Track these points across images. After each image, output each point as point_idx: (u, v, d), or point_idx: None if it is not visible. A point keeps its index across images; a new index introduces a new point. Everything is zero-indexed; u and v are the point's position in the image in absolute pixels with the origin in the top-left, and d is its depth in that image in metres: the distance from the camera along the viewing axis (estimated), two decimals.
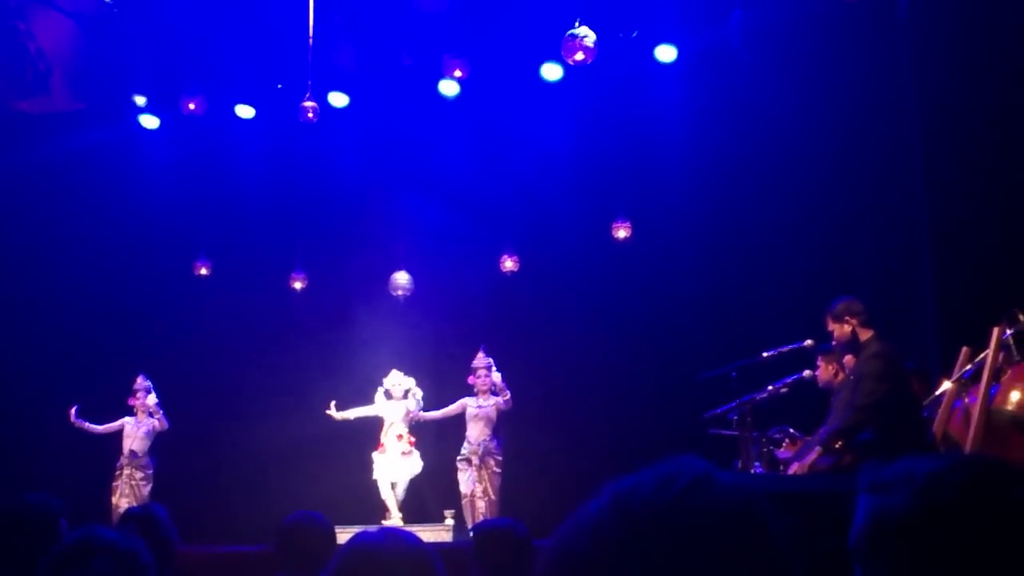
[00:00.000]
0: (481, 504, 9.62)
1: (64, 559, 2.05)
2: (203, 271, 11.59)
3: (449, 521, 9.73)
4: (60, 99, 11.03)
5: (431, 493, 10.54)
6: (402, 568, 2.10)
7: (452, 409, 10.12)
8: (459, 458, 9.84)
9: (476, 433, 9.82)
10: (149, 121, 11.13)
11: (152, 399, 10.47)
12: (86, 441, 10.50)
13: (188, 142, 11.22)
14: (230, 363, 11.27)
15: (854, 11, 9.57)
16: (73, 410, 10.43)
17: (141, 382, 10.52)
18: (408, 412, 10.21)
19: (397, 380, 10.29)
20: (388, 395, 10.33)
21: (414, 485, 10.29)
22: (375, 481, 10.18)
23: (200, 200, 11.35)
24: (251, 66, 10.54)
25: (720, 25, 9.28)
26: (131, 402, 10.46)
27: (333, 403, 10.26)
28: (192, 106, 10.72)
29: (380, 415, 10.29)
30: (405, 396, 10.26)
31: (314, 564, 3.99)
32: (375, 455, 10.19)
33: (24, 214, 11.60)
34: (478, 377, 9.88)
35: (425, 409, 10.35)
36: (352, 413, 10.30)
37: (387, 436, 10.19)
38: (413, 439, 10.23)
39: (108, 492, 10.28)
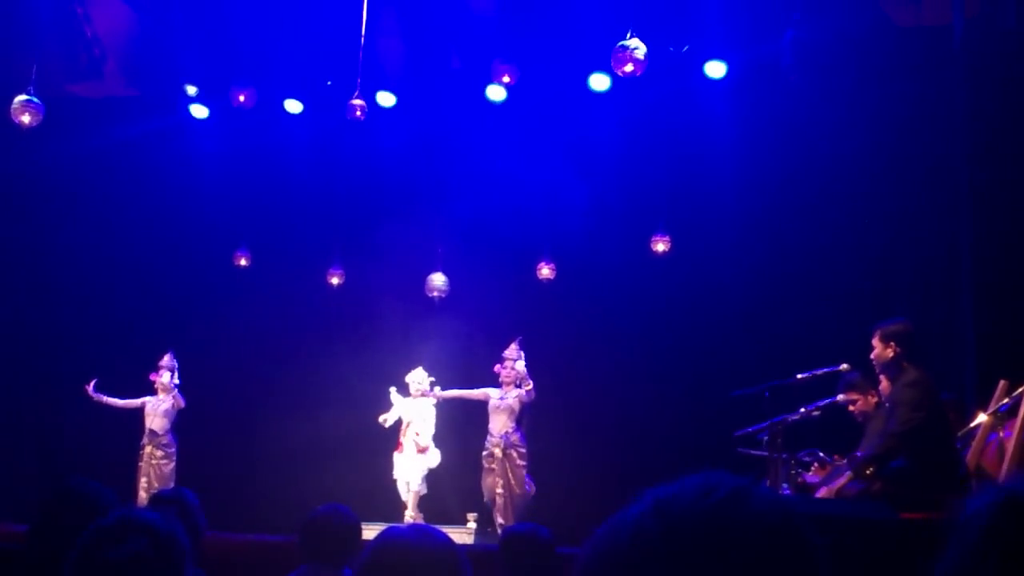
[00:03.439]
0: (500, 501, 9.59)
1: (102, 536, 2.08)
2: (243, 262, 11.68)
3: (471, 524, 9.73)
4: (112, 85, 11.18)
5: (453, 494, 10.55)
6: (430, 564, 2.12)
7: (474, 393, 10.05)
8: (484, 453, 9.81)
9: (498, 426, 9.77)
10: (199, 111, 11.26)
11: (167, 377, 10.44)
12: (115, 422, 10.61)
13: (236, 133, 11.32)
14: (264, 353, 11.36)
15: (907, 36, 9.53)
16: (91, 384, 10.51)
17: (167, 361, 10.54)
18: (425, 414, 10.10)
19: (419, 378, 10.22)
20: (405, 392, 10.23)
21: (436, 484, 10.26)
22: (395, 481, 10.17)
23: (244, 191, 11.44)
24: (302, 62, 10.62)
25: (770, 43, 9.24)
26: (152, 377, 10.49)
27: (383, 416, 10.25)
28: (242, 98, 10.81)
29: (400, 415, 10.20)
30: (428, 393, 10.16)
31: (339, 557, 4.02)
32: (395, 455, 10.15)
33: (72, 198, 11.77)
34: (505, 367, 9.86)
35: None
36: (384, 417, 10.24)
37: (405, 436, 10.14)
38: (427, 438, 10.08)
39: (135, 472, 10.33)
